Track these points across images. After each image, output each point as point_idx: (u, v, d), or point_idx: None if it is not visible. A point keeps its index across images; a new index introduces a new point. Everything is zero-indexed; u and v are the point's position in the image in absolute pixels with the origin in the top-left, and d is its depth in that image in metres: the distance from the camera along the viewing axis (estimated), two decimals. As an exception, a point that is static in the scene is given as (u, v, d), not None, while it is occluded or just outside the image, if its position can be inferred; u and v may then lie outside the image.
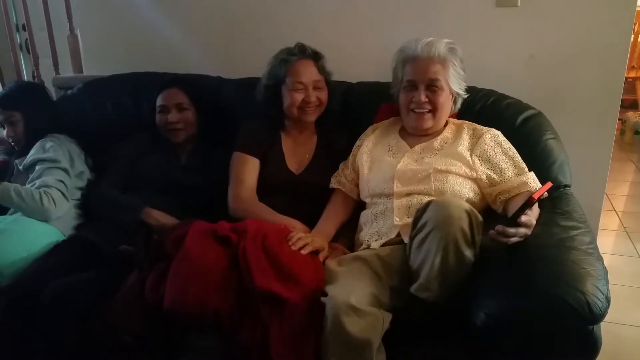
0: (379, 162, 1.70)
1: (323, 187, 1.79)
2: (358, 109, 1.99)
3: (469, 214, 1.27)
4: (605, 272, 1.22)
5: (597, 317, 1.12)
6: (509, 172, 1.56)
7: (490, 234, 1.28)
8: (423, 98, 1.61)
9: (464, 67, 1.69)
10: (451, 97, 1.67)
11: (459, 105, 1.73)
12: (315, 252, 1.54)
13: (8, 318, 1.48)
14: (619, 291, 2.35)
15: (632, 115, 4.67)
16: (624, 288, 2.41)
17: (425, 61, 1.62)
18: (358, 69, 2.08)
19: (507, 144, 1.63)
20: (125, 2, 2.45)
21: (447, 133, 1.69)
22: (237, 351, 1.34)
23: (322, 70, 1.84)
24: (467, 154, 1.59)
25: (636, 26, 4.38)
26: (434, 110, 1.63)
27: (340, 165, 1.81)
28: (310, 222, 1.70)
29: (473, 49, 2.03)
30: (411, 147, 1.68)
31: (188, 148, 1.98)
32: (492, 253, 1.39)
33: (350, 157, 1.79)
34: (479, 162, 1.58)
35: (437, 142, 1.66)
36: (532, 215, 1.36)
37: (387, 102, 1.90)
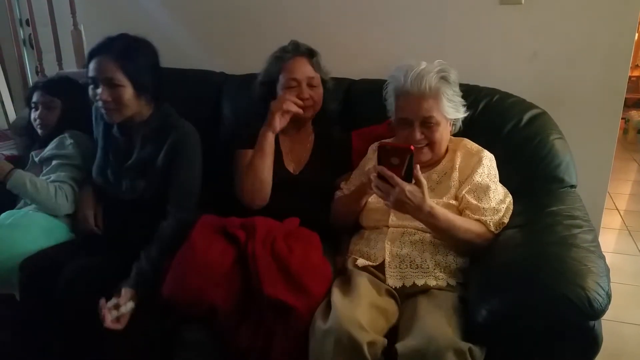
0: None
1: (321, 186, 1.77)
2: (360, 105, 1.98)
3: None
4: (607, 270, 1.22)
5: (597, 312, 1.12)
6: (487, 204, 1.50)
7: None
8: (418, 136, 1.55)
9: (459, 92, 1.60)
10: (449, 123, 1.61)
11: (459, 125, 1.65)
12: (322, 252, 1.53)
13: (28, 293, 1.55)
14: (621, 289, 2.36)
15: (635, 114, 4.67)
16: (625, 286, 2.41)
17: (416, 98, 1.53)
18: (360, 66, 2.08)
19: (495, 172, 1.59)
20: (128, -2, 2.46)
21: (447, 161, 1.63)
22: (236, 353, 1.34)
23: (316, 67, 1.79)
24: (457, 185, 1.56)
25: (640, 25, 4.37)
26: (431, 144, 1.58)
27: (342, 185, 1.75)
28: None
29: (476, 46, 2.04)
30: None
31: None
32: (491, 252, 1.40)
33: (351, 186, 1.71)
34: (465, 191, 1.53)
35: (436, 173, 1.61)
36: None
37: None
